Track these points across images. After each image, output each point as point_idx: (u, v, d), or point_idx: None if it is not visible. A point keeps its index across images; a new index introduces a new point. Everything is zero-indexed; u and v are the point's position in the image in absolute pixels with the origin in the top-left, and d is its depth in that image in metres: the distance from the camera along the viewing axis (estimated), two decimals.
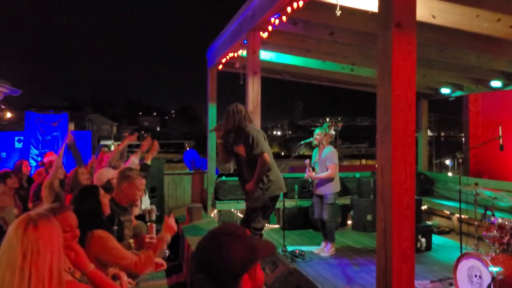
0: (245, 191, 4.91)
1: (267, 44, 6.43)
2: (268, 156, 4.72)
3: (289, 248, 6.70)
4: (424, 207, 8.67)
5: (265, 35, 5.28)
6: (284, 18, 4.67)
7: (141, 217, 5.08)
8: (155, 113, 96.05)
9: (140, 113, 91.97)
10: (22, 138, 9.22)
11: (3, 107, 8.32)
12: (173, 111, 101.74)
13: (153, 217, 5.16)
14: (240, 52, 6.48)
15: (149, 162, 5.19)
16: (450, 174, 11.57)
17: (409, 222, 2.43)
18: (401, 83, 2.45)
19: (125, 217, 3.66)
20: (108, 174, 4.77)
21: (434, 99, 9.63)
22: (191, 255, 1.38)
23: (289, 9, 4.39)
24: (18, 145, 9.28)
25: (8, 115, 9.58)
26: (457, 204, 6.66)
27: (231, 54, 6.73)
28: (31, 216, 1.87)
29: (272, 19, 4.80)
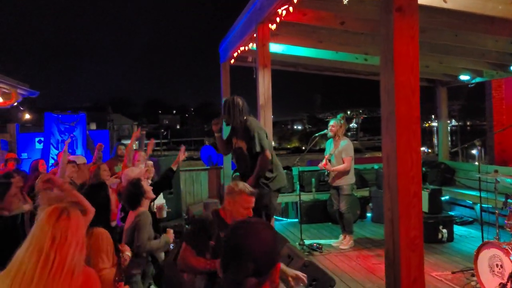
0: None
1: (278, 37, 6.38)
2: (269, 153, 4.65)
3: (307, 242, 6.67)
4: (445, 197, 8.51)
5: (273, 27, 5.23)
6: (291, 8, 4.61)
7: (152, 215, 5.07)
8: (174, 111, 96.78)
9: (160, 111, 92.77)
10: (42, 139, 9.41)
11: (21, 108, 8.52)
12: (192, 109, 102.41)
13: (164, 215, 5.14)
14: (250, 45, 6.45)
15: (174, 168, 5.09)
16: (476, 163, 11.27)
17: (417, 210, 2.37)
18: (404, 69, 2.39)
19: None
20: (133, 173, 4.81)
21: (454, 86, 9.41)
22: (223, 239, 1.41)
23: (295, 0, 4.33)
24: (38, 146, 9.48)
25: (27, 116, 9.84)
26: (477, 193, 6.51)
27: (242, 48, 6.71)
28: (65, 206, 2.03)
29: (280, 10, 4.74)
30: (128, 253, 3.12)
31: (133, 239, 3.62)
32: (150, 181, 5.06)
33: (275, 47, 6.84)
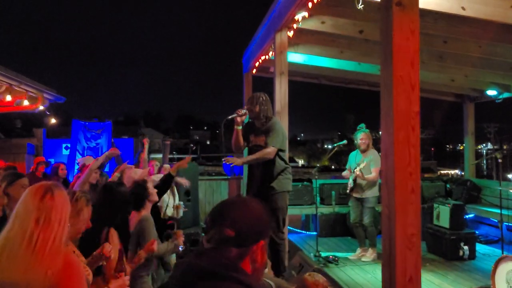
0: (256, 189, 4.66)
1: (299, 46, 6.42)
2: (273, 152, 4.50)
3: (323, 254, 6.56)
4: (471, 215, 8.24)
5: (291, 33, 5.27)
6: (306, 14, 4.64)
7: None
8: (205, 127, 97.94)
9: (191, 127, 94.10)
10: (69, 145, 9.70)
11: (48, 113, 8.80)
12: (223, 124, 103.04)
13: (181, 213, 5.21)
14: (271, 54, 6.50)
15: (173, 174, 5.06)
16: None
17: (414, 207, 2.31)
18: (403, 63, 2.36)
19: None
20: (135, 175, 4.89)
21: (487, 105, 9.17)
22: (212, 210, 1.41)
23: (310, 4, 4.34)
24: (65, 152, 9.76)
25: (53, 120, 10.23)
26: (504, 211, 6.27)
27: (263, 57, 6.77)
28: (49, 185, 2.02)
29: (297, 17, 4.78)
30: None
31: (139, 242, 3.67)
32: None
33: (296, 57, 6.87)
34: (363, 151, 6.53)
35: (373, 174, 6.37)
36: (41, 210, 1.90)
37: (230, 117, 4.50)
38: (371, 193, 6.40)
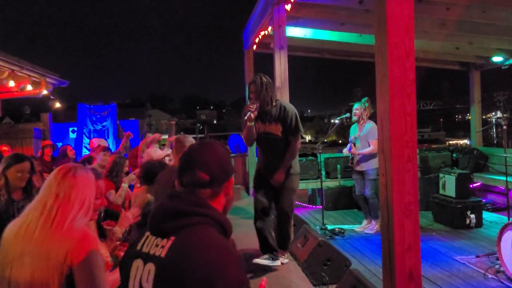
0: (272, 175, 4.24)
1: (299, 20, 6.32)
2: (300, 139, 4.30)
3: (329, 227, 6.62)
4: (477, 184, 8.23)
5: (288, 7, 5.18)
6: None
7: None
8: (212, 107, 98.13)
9: (198, 107, 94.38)
10: (75, 128, 9.77)
11: (52, 97, 8.85)
12: (229, 104, 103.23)
13: None
14: (270, 29, 6.42)
15: None
16: None
17: (411, 176, 2.30)
18: (397, 30, 2.32)
19: None
20: (155, 154, 4.95)
21: (492, 72, 9.03)
22: (183, 156, 1.52)
23: None
24: (72, 136, 9.85)
25: (57, 105, 10.28)
26: (510, 178, 6.23)
27: (262, 33, 6.69)
28: (73, 165, 2.08)
29: None
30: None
31: None
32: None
33: (296, 31, 6.78)
34: (357, 122, 6.60)
35: (371, 147, 6.35)
36: (61, 187, 1.94)
37: (245, 117, 4.07)
38: (371, 165, 6.40)
